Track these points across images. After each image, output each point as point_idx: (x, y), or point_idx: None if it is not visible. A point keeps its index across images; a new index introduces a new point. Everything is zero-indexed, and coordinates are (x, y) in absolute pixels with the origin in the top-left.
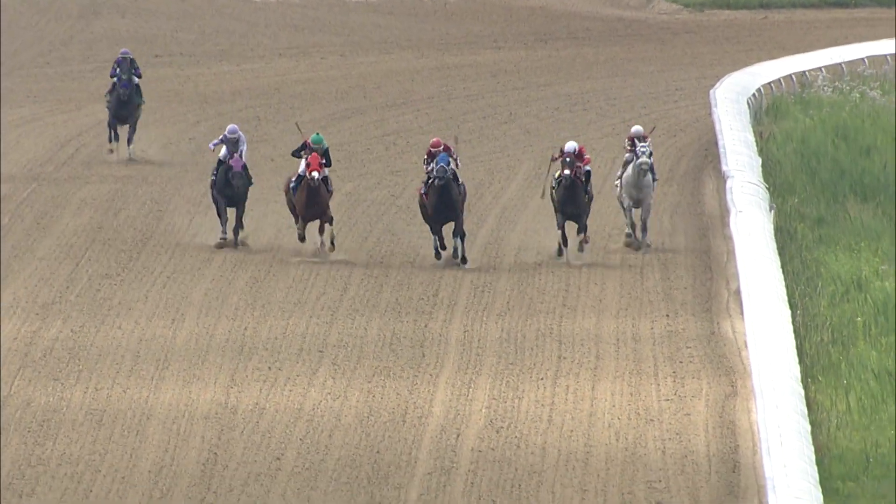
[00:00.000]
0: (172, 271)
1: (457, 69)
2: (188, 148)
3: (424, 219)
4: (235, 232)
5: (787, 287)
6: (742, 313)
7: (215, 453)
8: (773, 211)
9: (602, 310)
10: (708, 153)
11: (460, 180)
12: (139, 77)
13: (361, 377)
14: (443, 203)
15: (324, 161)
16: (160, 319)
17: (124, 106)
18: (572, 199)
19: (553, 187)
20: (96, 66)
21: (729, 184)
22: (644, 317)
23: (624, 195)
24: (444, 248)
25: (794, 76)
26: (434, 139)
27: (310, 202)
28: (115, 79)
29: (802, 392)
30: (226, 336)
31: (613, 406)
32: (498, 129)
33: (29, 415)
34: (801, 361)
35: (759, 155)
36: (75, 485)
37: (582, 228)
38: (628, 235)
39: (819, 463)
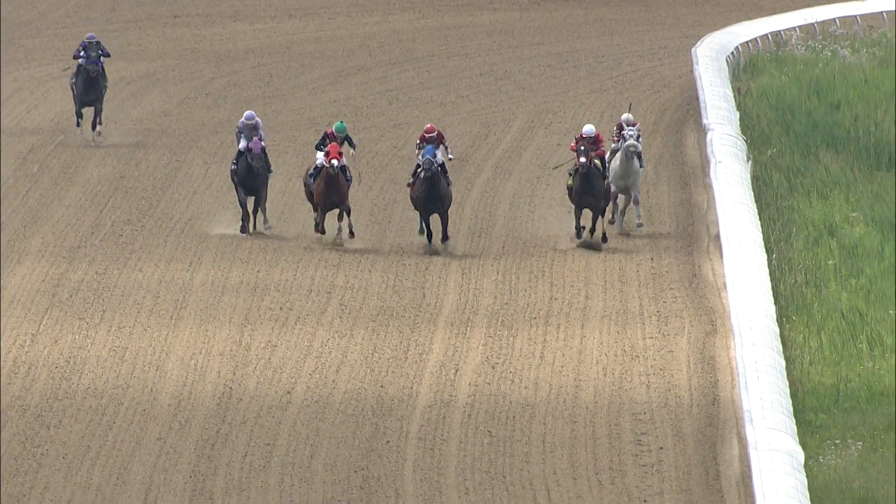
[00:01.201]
0: (190, 217)
1: (455, 29)
2: (204, 103)
3: (414, 207)
4: (254, 213)
5: (763, 232)
6: (721, 257)
7: (230, 387)
8: (750, 161)
9: (591, 254)
10: (689, 107)
11: (448, 174)
12: (108, 56)
13: (366, 317)
14: (429, 194)
15: (343, 150)
16: (178, 263)
17: (92, 87)
18: (589, 188)
19: (570, 174)
20: (119, 25)
21: (709, 136)
22: (630, 260)
23: (611, 183)
24: (430, 238)
25: (769, 36)
26: (428, 125)
27: (329, 190)
28: (80, 60)
29: (777, 330)
30: (240, 278)
31: (601, 344)
32: (494, 86)
33: (56, 352)
34: (776, 302)
35: (738, 109)
36: (99, 417)
37: (601, 214)
38: (611, 222)
39: (793, 396)
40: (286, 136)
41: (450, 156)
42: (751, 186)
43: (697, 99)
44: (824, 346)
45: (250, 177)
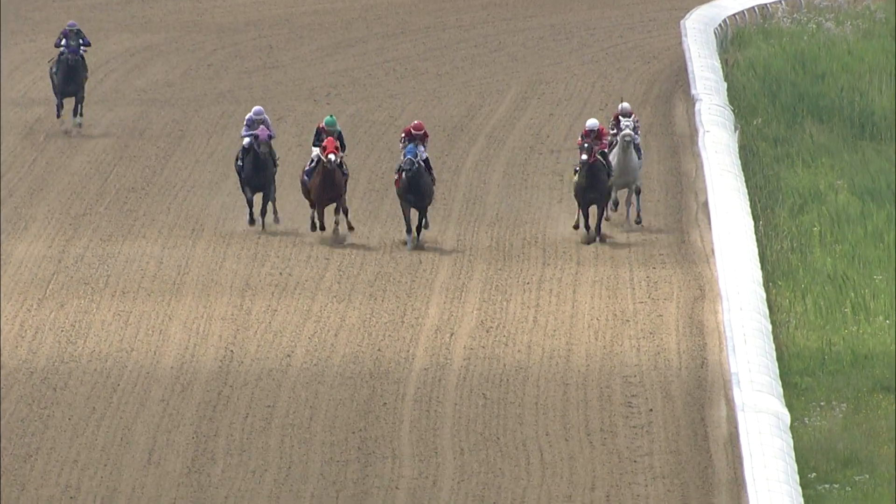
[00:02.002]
0: (192, 186)
1: (450, 2)
2: (206, 74)
3: (400, 199)
4: (263, 213)
5: (750, 200)
6: (709, 224)
7: (231, 351)
8: (737, 131)
9: (583, 220)
10: (678, 78)
11: (432, 167)
12: (88, 46)
13: (364, 283)
14: (413, 191)
15: (338, 144)
16: (181, 230)
17: (72, 76)
18: (594, 185)
19: (575, 170)
20: None
21: (697, 106)
22: (620, 226)
23: (620, 179)
24: (409, 231)
25: (756, 9)
26: (416, 122)
27: (325, 186)
28: (61, 48)
29: (764, 295)
30: (241, 245)
31: (593, 308)
32: (488, 57)
33: (62, 316)
34: (762, 267)
35: (725, 80)
36: (104, 379)
37: (601, 214)
38: (606, 219)
39: (779, 359)
40: (286, 106)
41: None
42: (738, 155)
43: (686, 70)
44: (810, 310)
45: (257, 172)
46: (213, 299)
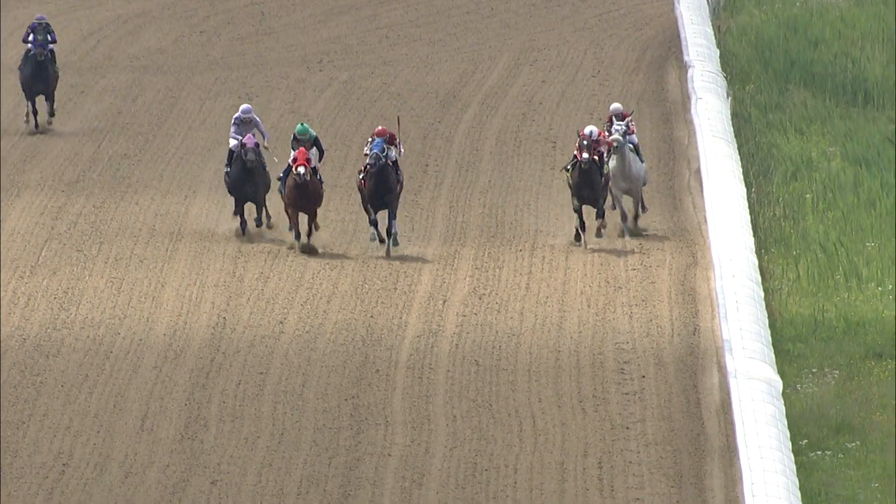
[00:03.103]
0: (185, 152)
1: None
2: (199, 40)
3: (363, 204)
4: (258, 222)
5: (742, 167)
6: (702, 191)
7: (224, 318)
8: (730, 98)
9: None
10: (671, 45)
11: (400, 169)
12: (54, 42)
13: (357, 249)
14: (379, 188)
15: (314, 150)
16: (174, 196)
17: (40, 73)
18: (589, 183)
19: (568, 170)
20: None
21: (690, 73)
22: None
23: (612, 186)
24: (382, 240)
25: None
26: (379, 128)
27: (300, 198)
28: (28, 44)
29: (756, 262)
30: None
31: (585, 275)
32: (480, 24)
33: (55, 283)
34: (755, 234)
35: (718, 47)
36: (97, 346)
37: (600, 213)
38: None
39: (772, 326)
40: (279, 73)
41: (402, 150)
42: (730, 122)
43: (678, 37)
44: (802, 277)
45: (245, 181)
46: (205, 266)
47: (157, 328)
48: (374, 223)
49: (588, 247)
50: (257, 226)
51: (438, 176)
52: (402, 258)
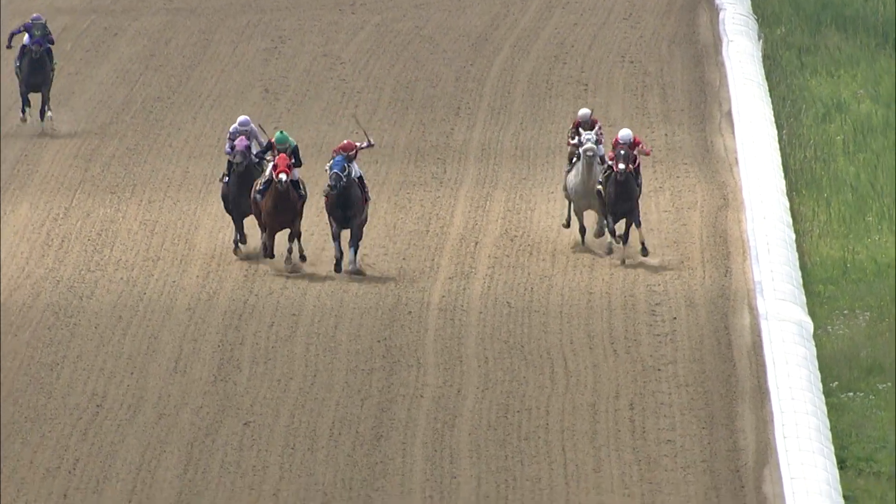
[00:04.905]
0: (218, 95)
1: None
2: None
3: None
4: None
5: (773, 109)
6: (733, 133)
7: (257, 260)
8: (761, 40)
9: (607, 129)
10: None
11: (366, 186)
12: (52, 43)
13: (389, 190)
14: (341, 207)
15: (293, 161)
16: (207, 138)
17: (37, 70)
18: (625, 195)
19: (601, 182)
20: None
21: (721, 15)
22: (645, 137)
23: (573, 200)
24: (340, 254)
25: None
26: (345, 142)
27: (278, 208)
28: (24, 41)
29: (787, 204)
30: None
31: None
32: None
33: (88, 225)
34: (786, 176)
35: None
36: (130, 288)
37: (637, 223)
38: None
39: (802, 268)
40: (311, 16)
41: (371, 141)
42: (762, 65)
43: None
44: (833, 219)
45: (240, 192)
46: None
47: (190, 270)
48: (335, 237)
49: (625, 262)
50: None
51: (470, 119)
52: (435, 199)
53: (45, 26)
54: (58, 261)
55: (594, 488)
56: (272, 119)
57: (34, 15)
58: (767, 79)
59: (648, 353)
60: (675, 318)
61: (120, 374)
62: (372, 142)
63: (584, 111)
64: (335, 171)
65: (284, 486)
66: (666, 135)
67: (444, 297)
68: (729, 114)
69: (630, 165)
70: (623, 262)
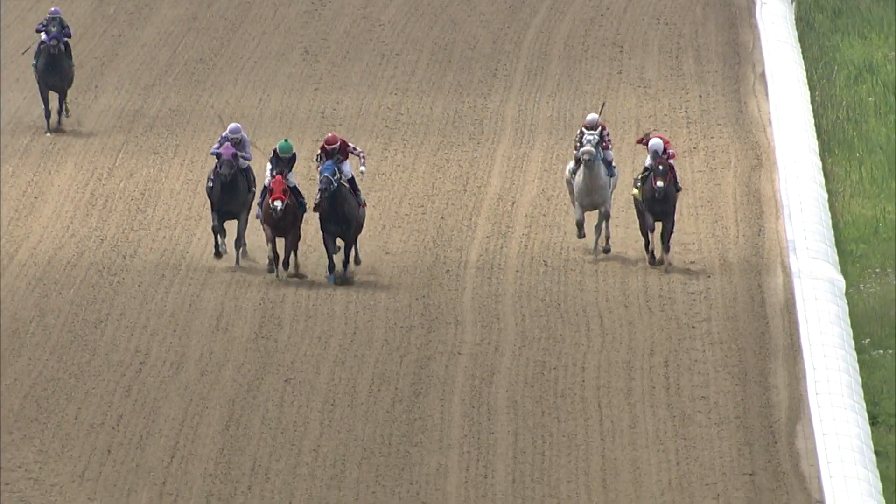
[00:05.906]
0: (259, 56)
1: None
2: None
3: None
4: (237, 246)
5: (806, 70)
6: (767, 94)
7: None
8: (794, 2)
9: (641, 92)
10: None
11: (359, 189)
12: (69, 37)
13: (427, 151)
14: (333, 213)
15: (286, 187)
16: (248, 99)
17: (54, 67)
18: (663, 202)
19: (637, 186)
20: None
21: None
22: (679, 98)
23: (577, 201)
24: (332, 267)
25: None
26: (329, 135)
27: (277, 226)
28: (41, 37)
29: (820, 164)
30: (307, 112)
31: None
32: None
33: (132, 184)
34: (818, 137)
35: None
36: (173, 247)
37: (669, 229)
38: (580, 236)
39: (834, 227)
40: None
41: (362, 168)
42: (794, 27)
43: None
44: (865, 179)
45: (228, 196)
46: None
47: (231, 229)
48: (329, 251)
49: (662, 266)
50: (236, 248)
51: (507, 80)
52: (473, 160)
53: (61, 21)
54: (102, 220)
55: (629, 444)
56: (312, 81)
57: (52, 9)
58: (800, 41)
59: (683, 311)
60: (709, 276)
61: (163, 332)
62: (364, 169)
63: (591, 116)
64: (325, 174)
65: (324, 442)
66: (700, 96)
67: (481, 255)
68: (762, 75)
69: (667, 180)
70: (666, 270)
